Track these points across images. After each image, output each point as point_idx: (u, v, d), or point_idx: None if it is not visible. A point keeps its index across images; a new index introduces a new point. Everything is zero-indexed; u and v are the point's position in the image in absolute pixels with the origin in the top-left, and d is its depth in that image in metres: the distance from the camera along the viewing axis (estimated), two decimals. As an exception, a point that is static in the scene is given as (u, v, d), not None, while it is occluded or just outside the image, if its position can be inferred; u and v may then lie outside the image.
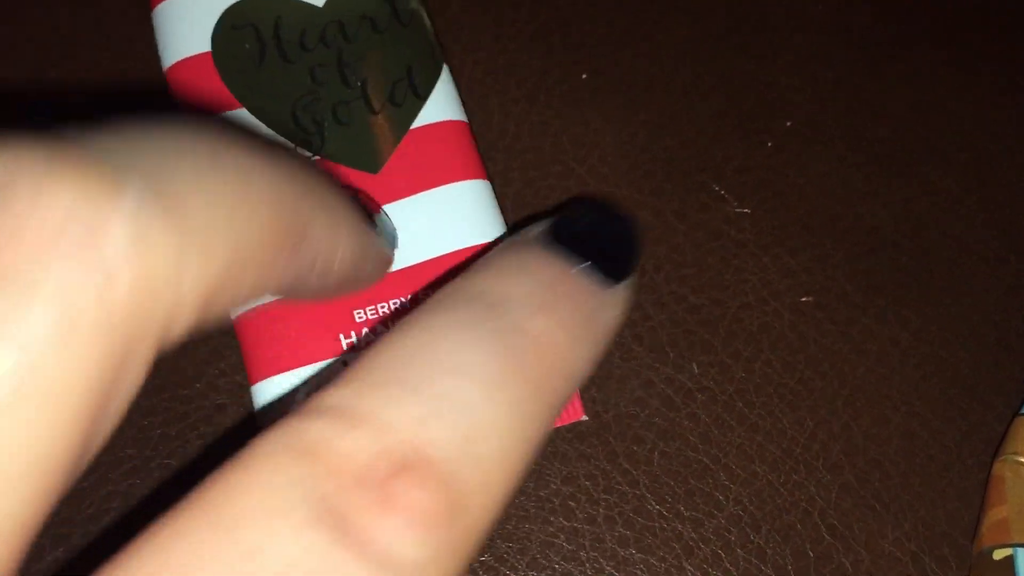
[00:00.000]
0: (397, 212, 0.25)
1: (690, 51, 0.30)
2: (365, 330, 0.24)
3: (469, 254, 0.25)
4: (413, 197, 0.25)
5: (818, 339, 0.27)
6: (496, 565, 0.24)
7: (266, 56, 0.26)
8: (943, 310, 0.28)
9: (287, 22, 0.26)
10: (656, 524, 0.25)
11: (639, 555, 0.25)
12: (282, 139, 0.25)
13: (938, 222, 0.29)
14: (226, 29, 0.26)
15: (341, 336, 0.24)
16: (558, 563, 0.25)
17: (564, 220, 0.17)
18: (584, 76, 0.29)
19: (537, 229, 0.17)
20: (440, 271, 0.25)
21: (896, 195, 0.29)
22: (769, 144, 0.29)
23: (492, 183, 0.28)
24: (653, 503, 0.25)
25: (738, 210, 0.28)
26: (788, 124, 0.29)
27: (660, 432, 0.26)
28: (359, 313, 0.24)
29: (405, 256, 0.25)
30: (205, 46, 0.26)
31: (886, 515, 0.26)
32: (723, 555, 0.25)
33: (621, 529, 0.25)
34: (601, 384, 0.26)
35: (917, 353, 0.27)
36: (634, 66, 0.30)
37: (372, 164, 0.25)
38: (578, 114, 0.29)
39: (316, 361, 0.23)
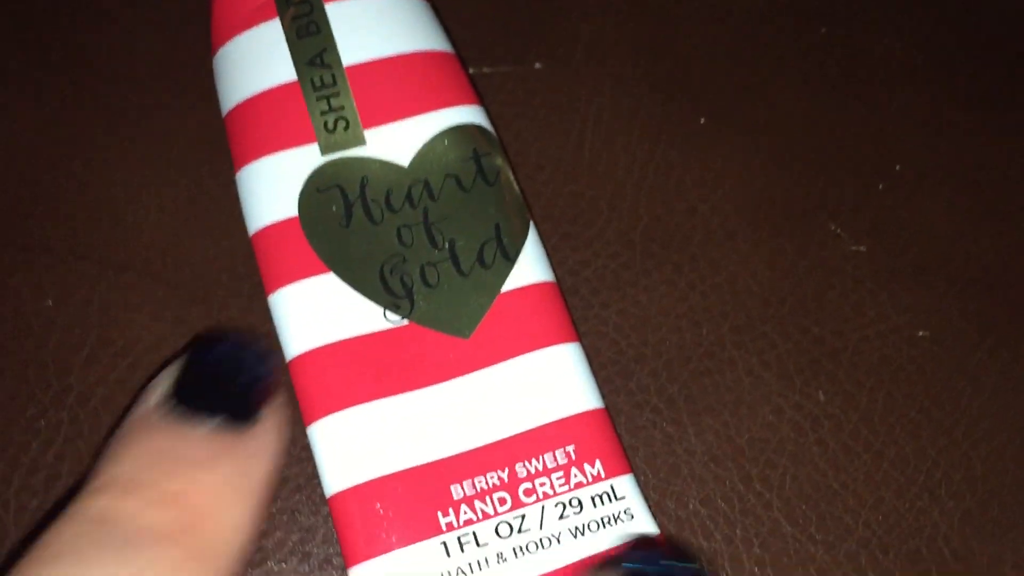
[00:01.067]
0: (489, 380, 0.24)
1: (804, 98, 0.31)
2: (464, 507, 0.23)
3: (571, 422, 0.24)
4: (504, 364, 0.24)
5: (935, 372, 0.28)
6: (641, 582, 0.25)
7: (353, 218, 0.25)
8: (1057, 346, 0.29)
9: (373, 182, 0.25)
10: (791, 546, 0.26)
11: None
12: (370, 302, 0.25)
13: (1049, 263, 0.30)
14: (311, 192, 0.25)
15: (439, 513, 0.23)
16: (698, 581, 0.25)
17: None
18: (703, 120, 0.31)
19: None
20: (536, 440, 0.24)
21: (1004, 238, 0.30)
22: (880, 186, 0.30)
23: (620, 220, 0.29)
24: (787, 525, 0.26)
25: (854, 248, 0.30)
26: (897, 167, 0.31)
27: (791, 457, 0.27)
28: (456, 489, 0.23)
29: (499, 428, 0.24)
30: (292, 211, 0.25)
31: (1005, 541, 0.27)
32: (854, 577, 0.26)
33: (758, 551, 0.26)
34: (734, 408, 0.27)
35: (1030, 387, 0.28)
36: (751, 112, 0.31)
37: (463, 328, 0.25)
38: (699, 156, 0.30)
39: (414, 542, 0.23)
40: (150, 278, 0.27)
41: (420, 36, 0.27)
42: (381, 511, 0.23)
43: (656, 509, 0.26)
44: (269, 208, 0.25)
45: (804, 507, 0.26)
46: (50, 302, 0.27)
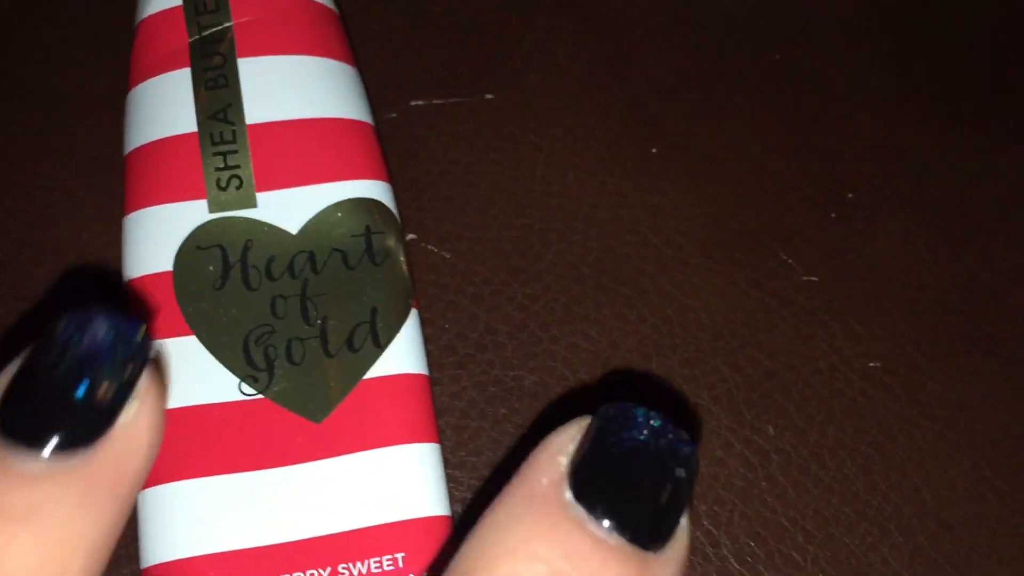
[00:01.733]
0: (332, 470, 0.23)
1: (757, 126, 0.31)
2: None
3: (406, 527, 0.23)
4: (352, 456, 0.23)
5: (887, 404, 0.28)
6: (586, 623, 0.25)
7: (228, 280, 0.24)
8: (1010, 377, 0.28)
9: (257, 247, 0.25)
10: (738, 584, 0.26)
11: (723, 614, 0.25)
12: (228, 372, 0.24)
13: (1003, 292, 0.29)
14: (191, 249, 0.24)
15: None
16: (645, 622, 0.25)
17: (588, 455, 0.13)
18: (654, 151, 0.30)
19: (553, 470, 0.14)
20: (368, 544, 0.23)
21: (960, 265, 0.30)
22: (833, 215, 0.30)
23: (571, 253, 0.29)
24: (735, 564, 0.26)
25: (806, 278, 0.29)
26: (850, 196, 0.30)
27: (739, 493, 0.26)
28: None
29: (331, 522, 0.23)
30: (169, 265, 0.24)
31: (958, 576, 0.26)
32: (803, 615, 0.25)
33: (705, 589, 0.26)
34: (683, 447, 0.27)
35: (984, 418, 0.28)
36: (704, 140, 0.31)
37: (316, 412, 0.24)
38: (652, 185, 0.30)
39: None
40: (93, 319, 0.27)
41: (334, 102, 0.27)
42: None
43: (602, 549, 0.26)
44: (147, 259, 0.25)
45: (753, 544, 0.26)
46: (-8, 344, 0.27)
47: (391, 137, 0.30)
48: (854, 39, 0.32)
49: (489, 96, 0.31)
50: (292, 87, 0.26)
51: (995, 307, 0.29)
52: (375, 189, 0.26)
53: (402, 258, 0.26)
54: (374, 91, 0.30)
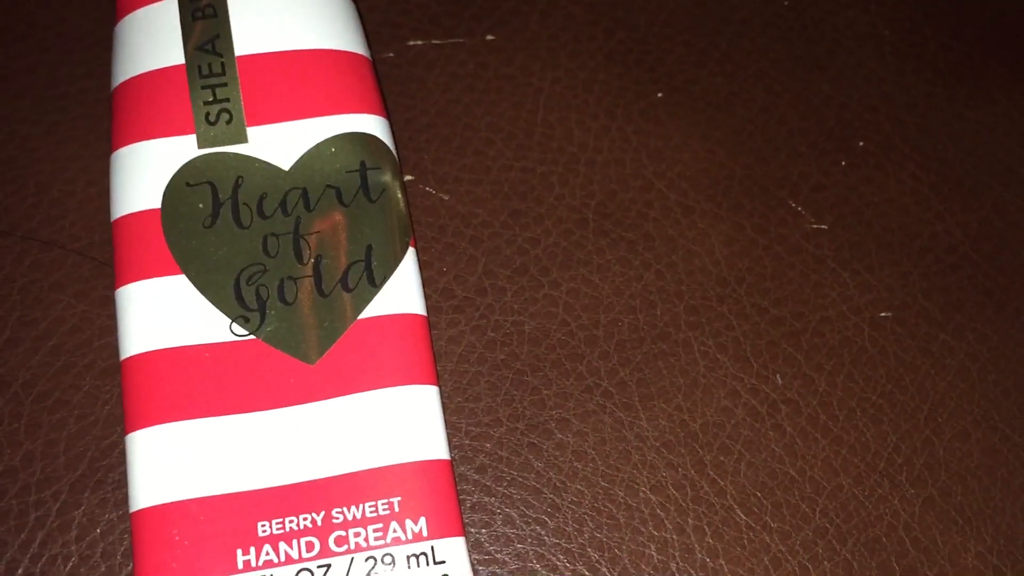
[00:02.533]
0: (327, 412, 0.22)
1: (765, 71, 0.30)
2: (267, 546, 0.21)
3: (402, 471, 0.22)
4: (347, 398, 0.22)
5: (898, 354, 0.27)
6: (588, 574, 0.24)
7: (219, 219, 0.23)
8: (1021, 327, 0.27)
9: (248, 184, 0.24)
10: (744, 536, 0.25)
11: (728, 566, 0.24)
12: (219, 312, 0.23)
13: (1013, 241, 0.28)
14: (180, 186, 0.23)
15: (239, 551, 0.21)
16: (648, 573, 0.24)
17: None
18: (660, 95, 0.29)
19: None
20: (363, 488, 0.22)
21: (971, 215, 0.29)
22: (843, 163, 0.29)
23: (572, 197, 0.28)
24: (741, 514, 0.25)
25: (815, 226, 0.28)
26: (861, 144, 0.29)
27: (746, 443, 0.25)
28: (263, 526, 0.21)
29: (325, 465, 0.22)
30: (156, 202, 0.23)
31: (968, 529, 0.25)
32: (811, 567, 0.24)
33: (710, 540, 0.25)
34: (688, 392, 0.26)
35: (996, 369, 0.27)
36: (710, 85, 0.30)
37: (310, 353, 0.23)
38: (657, 130, 0.29)
39: None
40: (76, 255, 0.26)
41: (327, 33, 0.25)
42: (177, 538, 0.21)
43: (605, 497, 0.25)
44: (134, 196, 0.24)
45: (759, 495, 0.25)
46: (-31, 281, 0.25)
47: (388, 77, 0.29)
48: (865, -15, 0.31)
49: (490, 37, 0.29)
50: (284, 17, 0.25)
51: (1006, 257, 0.28)
52: (371, 124, 0.25)
53: (399, 195, 0.24)
54: (371, 30, 0.29)
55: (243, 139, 0.24)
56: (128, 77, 0.25)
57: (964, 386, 0.26)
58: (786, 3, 0.31)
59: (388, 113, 0.26)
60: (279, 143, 0.24)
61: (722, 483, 0.25)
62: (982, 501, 0.25)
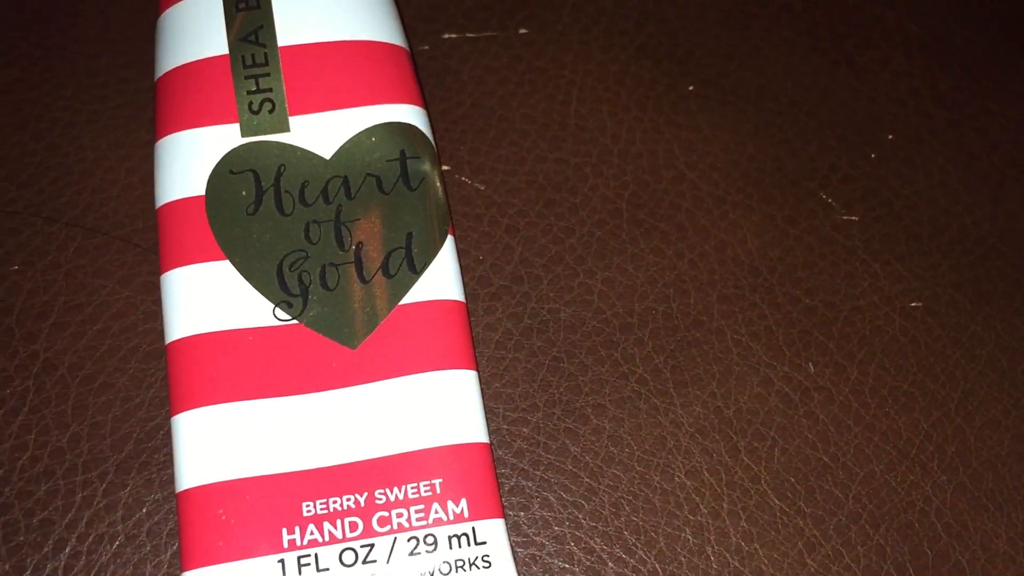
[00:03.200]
0: (369, 396, 0.23)
1: (795, 64, 0.30)
2: (312, 526, 0.22)
3: (443, 453, 0.22)
4: (389, 381, 0.23)
5: (929, 343, 0.27)
6: (624, 556, 0.24)
7: (262, 206, 0.24)
8: (1053, 317, 0.28)
9: (290, 171, 0.24)
10: (779, 520, 0.25)
11: (763, 551, 0.24)
12: (262, 297, 0.23)
13: (1045, 232, 0.29)
14: (224, 173, 0.24)
15: (284, 530, 0.21)
16: (684, 556, 0.24)
17: None
18: (691, 87, 0.30)
19: None
20: (405, 470, 0.22)
21: (999, 207, 0.29)
22: (872, 155, 0.29)
23: (606, 187, 0.28)
24: (775, 499, 0.25)
25: (846, 217, 0.28)
26: (890, 137, 0.30)
27: (780, 429, 0.26)
28: (308, 506, 0.22)
29: (368, 447, 0.22)
30: (201, 189, 0.24)
31: (1000, 515, 0.25)
32: (844, 552, 0.25)
33: (745, 524, 0.25)
34: (722, 379, 0.26)
35: (1025, 359, 0.27)
36: (741, 78, 0.30)
37: (352, 338, 0.23)
38: (688, 122, 0.29)
39: (250, 556, 0.21)
40: (120, 241, 0.26)
41: (368, 25, 0.26)
42: (224, 517, 0.21)
43: (641, 482, 0.25)
44: (179, 183, 0.24)
45: (793, 480, 0.25)
46: (16, 267, 0.26)
47: (424, 69, 0.29)
48: (893, -20, 0.32)
49: (523, 31, 0.30)
50: (325, 9, 0.25)
51: (1036, 249, 0.28)
52: (410, 114, 0.25)
53: (438, 183, 0.25)
54: (407, 24, 0.29)
55: (285, 128, 0.24)
56: (172, 67, 0.25)
57: (994, 375, 0.27)
58: (814, -2, 0.31)
59: (426, 104, 0.27)
60: (321, 132, 0.24)
61: (756, 469, 0.25)
62: (1013, 488, 0.26)
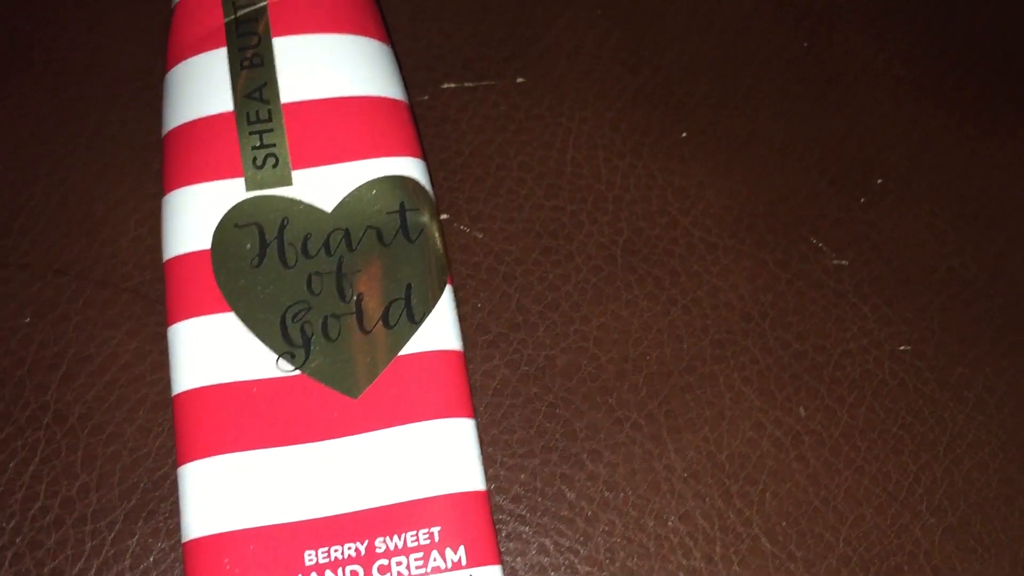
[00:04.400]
0: (369, 445, 0.23)
1: (785, 111, 0.31)
2: (313, 574, 0.22)
3: (442, 502, 0.23)
4: (389, 431, 0.23)
5: (918, 387, 0.27)
6: (619, 600, 0.25)
7: (266, 258, 0.24)
8: (1039, 360, 0.28)
9: (293, 225, 0.24)
10: (770, 564, 0.25)
11: (755, 593, 0.25)
12: (265, 348, 0.24)
13: (1032, 276, 0.29)
14: (229, 227, 0.24)
15: None
16: (678, 599, 0.25)
17: None
18: (684, 134, 0.30)
19: None
20: (404, 518, 0.22)
21: (988, 249, 0.29)
22: (862, 200, 0.30)
23: (601, 234, 0.28)
24: (767, 543, 0.25)
25: (836, 262, 0.29)
26: (879, 181, 0.30)
27: (771, 473, 0.26)
28: (310, 555, 0.22)
29: (368, 496, 0.23)
30: (206, 243, 0.24)
31: (988, 557, 0.26)
32: (835, 594, 0.25)
33: (737, 568, 0.25)
34: (714, 424, 0.26)
35: (1013, 400, 0.27)
36: (732, 124, 0.30)
37: (353, 388, 0.23)
38: (681, 169, 0.30)
39: None
40: (129, 293, 0.27)
41: (368, 80, 0.26)
42: (229, 567, 0.22)
43: (635, 527, 0.25)
44: (185, 237, 0.24)
45: (784, 524, 0.26)
46: (27, 319, 0.26)
47: (423, 119, 0.29)
48: (881, 29, 0.32)
49: (520, 80, 0.30)
50: (327, 65, 0.26)
51: (1023, 291, 0.29)
52: (409, 166, 0.26)
53: (437, 234, 0.25)
54: (406, 74, 0.30)
55: (288, 182, 0.25)
56: (179, 124, 0.26)
57: (982, 417, 0.27)
58: (805, 44, 0.32)
59: (424, 154, 0.27)
60: (322, 186, 0.25)
61: (748, 512, 0.25)
62: (1001, 530, 0.26)
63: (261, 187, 0.25)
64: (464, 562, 0.22)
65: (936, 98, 0.31)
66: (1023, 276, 0.29)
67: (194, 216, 0.25)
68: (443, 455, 0.23)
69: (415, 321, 0.24)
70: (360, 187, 0.25)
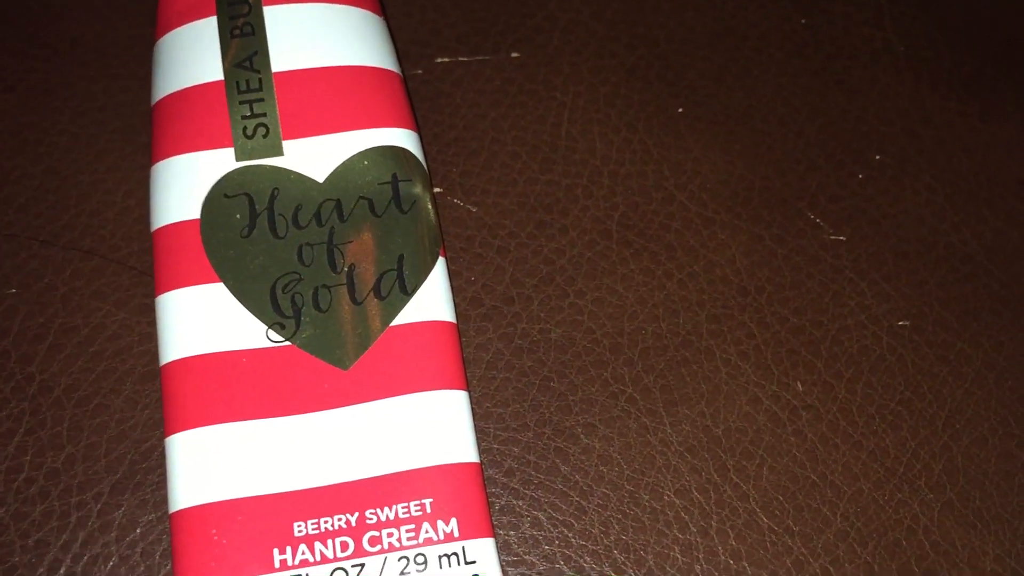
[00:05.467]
0: (360, 416, 0.23)
1: (784, 85, 0.30)
2: (303, 546, 0.22)
3: (434, 473, 0.22)
4: (380, 402, 0.23)
5: (916, 362, 0.27)
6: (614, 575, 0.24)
7: (255, 229, 0.24)
8: (1039, 335, 0.28)
9: (283, 195, 0.24)
10: (767, 538, 0.25)
11: (751, 568, 0.25)
12: (255, 319, 0.23)
13: (1031, 251, 0.29)
14: (218, 197, 0.24)
15: (275, 550, 0.21)
16: (673, 575, 0.24)
17: None
18: (680, 109, 0.30)
19: None
20: (396, 489, 0.22)
21: (985, 225, 0.29)
22: (860, 176, 0.29)
23: (597, 208, 0.28)
24: (763, 518, 0.25)
25: (833, 237, 0.28)
26: (878, 157, 0.30)
27: (768, 448, 0.26)
28: (299, 526, 0.22)
29: (359, 467, 0.22)
30: (195, 213, 0.24)
31: (987, 533, 0.25)
32: (832, 570, 0.25)
33: (733, 543, 0.25)
34: (711, 399, 0.26)
35: (1012, 376, 0.27)
36: (730, 99, 0.30)
37: (344, 359, 0.23)
38: (677, 143, 0.29)
39: None
40: (116, 264, 0.26)
41: (360, 50, 0.26)
42: (216, 537, 0.21)
43: (630, 500, 0.25)
44: (174, 207, 0.24)
45: (781, 499, 0.25)
46: (13, 289, 0.26)
47: (417, 93, 0.29)
48: (879, 5, 0.32)
49: (515, 54, 0.30)
50: (318, 35, 0.26)
51: (1021, 266, 0.28)
52: (402, 137, 0.25)
53: (429, 205, 0.25)
54: (401, 48, 0.30)
55: (279, 152, 0.25)
56: (168, 92, 0.25)
57: (981, 393, 0.27)
58: (803, 21, 0.31)
59: (418, 127, 0.27)
60: (314, 156, 0.25)
61: (745, 487, 0.25)
62: (1000, 505, 0.26)
63: (251, 157, 0.24)
64: (457, 534, 0.22)
65: (934, 75, 0.31)
66: (1021, 252, 0.29)
67: (183, 186, 0.24)
68: (435, 426, 0.23)
69: (407, 292, 0.24)
70: (352, 157, 0.25)
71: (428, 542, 0.22)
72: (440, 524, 0.22)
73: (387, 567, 0.22)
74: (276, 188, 0.24)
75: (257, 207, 0.24)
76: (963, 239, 0.29)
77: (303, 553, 0.22)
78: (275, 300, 0.23)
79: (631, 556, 0.24)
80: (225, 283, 0.23)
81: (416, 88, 0.29)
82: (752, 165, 0.29)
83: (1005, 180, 0.30)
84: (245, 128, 0.25)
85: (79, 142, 0.27)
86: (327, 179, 0.24)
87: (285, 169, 0.24)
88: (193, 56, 0.25)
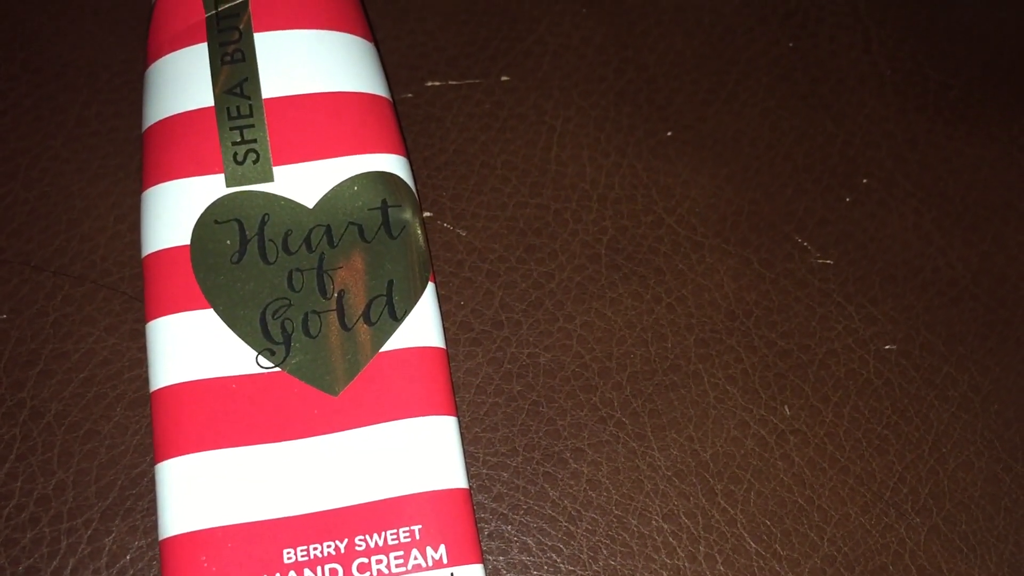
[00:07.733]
0: (349, 442, 0.23)
1: (772, 109, 0.31)
2: (292, 573, 0.22)
3: (423, 499, 0.22)
4: (369, 428, 0.23)
5: (903, 386, 0.27)
6: (602, 600, 0.24)
7: (246, 255, 0.24)
8: (1022, 358, 0.28)
9: (274, 221, 0.24)
10: (755, 563, 0.25)
11: (739, 593, 0.25)
12: (245, 345, 0.23)
13: (1014, 274, 0.29)
14: (209, 223, 0.24)
15: None
16: (661, 599, 0.24)
17: None
18: (669, 133, 0.30)
19: None
20: (385, 516, 0.22)
21: (972, 249, 0.29)
22: (847, 199, 0.30)
23: (585, 232, 0.28)
24: (751, 542, 0.25)
25: (821, 261, 0.29)
26: (865, 181, 0.30)
27: (756, 472, 0.26)
28: (288, 553, 0.22)
29: (348, 494, 0.22)
30: (186, 239, 0.24)
31: (973, 557, 0.26)
32: (819, 594, 0.25)
33: (721, 568, 0.25)
34: (699, 423, 0.26)
35: (998, 399, 0.27)
36: (718, 123, 0.30)
37: (333, 385, 0.23)
38: (666, 167, 0.29)
39: None
40: (107, 289, 0.26)
41: (350, 76, 0.26)
42: (206, 564, 0.22)
43: (619, 525, 0.25)
44: (165, 233, 0.24)
45: (769, 523, 0.25)
46: (4, 315, 0.26)
47: (407, 117, 0.29)
48: (866, 28, 0.32)
49: (504, 78, 0.30)
50: (309, 61, 0.26)
51: (1007, 291, 0.29)
52: (392, 163, 0.26)
53: (419, 231, 0.25)
54: (390, 71, 0.30)
55: (269, 178, 0.25)
56: (159, 118, 0.25)
57: (967, 417, 0.27)
58: (791, 44, 0.32)
59: (407, 152, 0.27)
60: (304, 182, 0.25)
61: (732, 512, 0.25)
62: (986, 529, 0.26)
63: (241, 183, 0.25)
64: (445, 560, 0.22)
65: (921, 98, 0.31)
66: (1008, 275, 0.29)
67: (174, 212, 0.24)
68: (424, 453, 0.23)
69: (397, 318, 0.24)
70: (342, 183, 0.25)
71: (417, 568, 0.22)
72: (429, 550, 0.22)
73: None
74: (266, 214, 0.24)
75: (247, 233, 0.24)
76: (950, 262, 0.29)
77: None
78: (265, 326, 0.24)
79: (619, 581, 0.24)
80: (215, 309, 0.24)
81: (406, 112, 0.29)
82: (740, 189, 0.29)
83: (992, 203, 0.30)
84: (235, 154, 0.25)
85: (71, 167, 0.28)
86: (317, 205, 0.25)
87: (275, 195, 0.25)
88: (184, 82, 0.26)
